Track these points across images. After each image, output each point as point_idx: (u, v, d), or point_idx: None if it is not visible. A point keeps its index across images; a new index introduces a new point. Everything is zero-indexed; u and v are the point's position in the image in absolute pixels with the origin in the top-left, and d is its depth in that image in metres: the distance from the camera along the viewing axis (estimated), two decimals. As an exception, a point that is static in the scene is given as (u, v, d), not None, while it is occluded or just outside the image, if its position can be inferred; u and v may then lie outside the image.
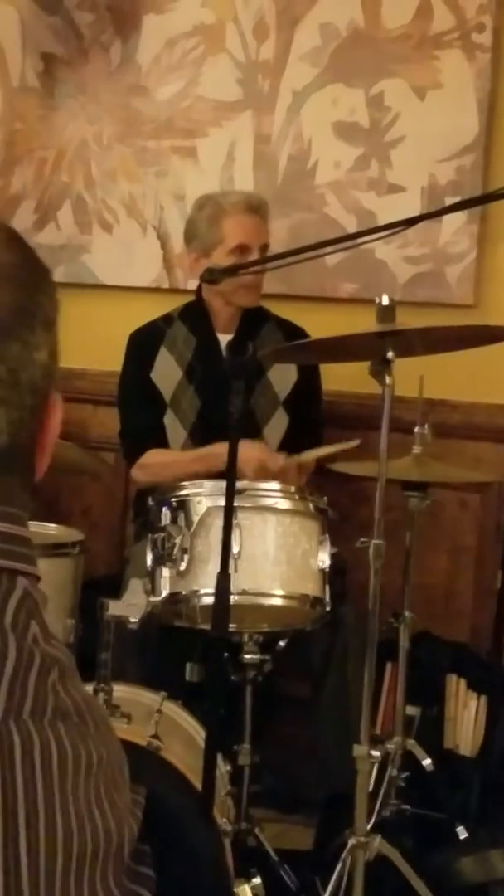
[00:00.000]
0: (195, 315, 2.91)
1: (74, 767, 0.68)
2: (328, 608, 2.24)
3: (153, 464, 2.79)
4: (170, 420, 2.84)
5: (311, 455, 2.65)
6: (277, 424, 2.86)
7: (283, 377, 2.87)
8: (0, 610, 0.71)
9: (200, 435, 2.79)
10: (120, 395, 2.95)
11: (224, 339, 2.87)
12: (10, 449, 0.77)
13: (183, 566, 2.13)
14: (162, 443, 2.84)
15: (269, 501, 2.20)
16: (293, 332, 2.89)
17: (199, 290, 2.93)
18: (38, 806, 0.64)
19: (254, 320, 2.89)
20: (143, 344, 2.90)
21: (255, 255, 2.74)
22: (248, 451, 2.39)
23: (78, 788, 0.67)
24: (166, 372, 2.86)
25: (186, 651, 2.33)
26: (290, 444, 2.78)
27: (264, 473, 2.45)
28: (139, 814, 0.75)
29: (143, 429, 2.86)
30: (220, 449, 2.61)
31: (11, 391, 0.76)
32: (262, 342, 2.81)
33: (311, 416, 2.91)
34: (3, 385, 0.76)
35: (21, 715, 0.66)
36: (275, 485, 2.27)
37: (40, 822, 0.64)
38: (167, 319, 2.93)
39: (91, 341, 3.26)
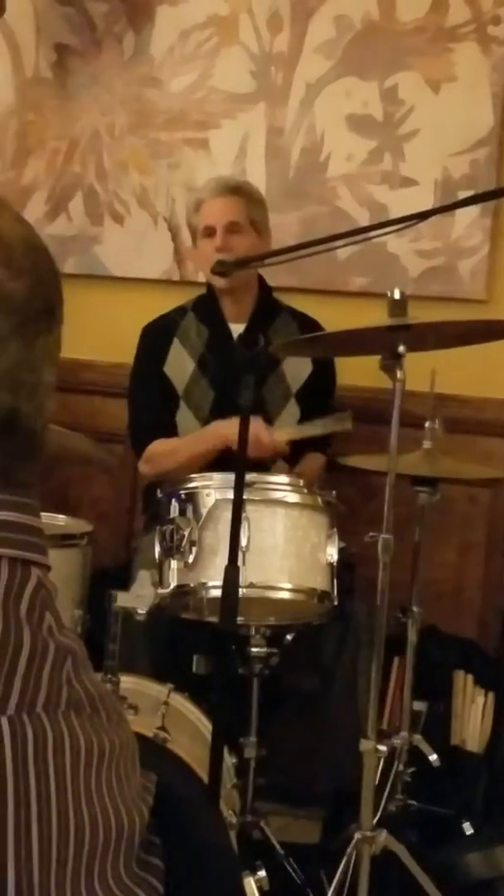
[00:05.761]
0: (207, 306, 2.89)
1: (87, 759, 0.68)
2: (336, 602, 2.23)
3: (157, 453, 2.78)
4: (183, 413, 2.83)
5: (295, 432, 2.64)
6: (288, 416, 2.84)
7: (297, 369, 2.85)
8: (15, 601, 0.71)
9: None
10: (130, 388, 2.93)
11: (237, 329, 2.85)
12: (41, 435, 0.78)
13: (191, 558, 2.13)
14: (169, 437, 2.82)
15: (278, 495, 2.19)
16: (307, 323, 2.88)
17: (209, 282, 2.91)
18: (50, 799, 0.64)
19: (267, 310, 2.88)
20: (157, 336, 2.89)
21: (220, 235, 2.74)
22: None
23: (90, 780, 0.67)
24: (179, 364, 2.85)
25: (194, 643, 2.33)
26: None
27: (258, 450, 2.40)
28: (150, 800, 0.75)
29: (151, 423, 2.85)
30: (216, 425, 2.63)
31: (55, 377, 0.78)
32: (276, 332, 2.80)
33: (321, 410, 2.88)
34: (55, 369, 0.77)
35: (35, 707, 0.66)
36: (284, 478, 2.27)
37: (52, 814, 0.64)
38: (180, 311, 2.92)
39: (101, 333, 3.25)
